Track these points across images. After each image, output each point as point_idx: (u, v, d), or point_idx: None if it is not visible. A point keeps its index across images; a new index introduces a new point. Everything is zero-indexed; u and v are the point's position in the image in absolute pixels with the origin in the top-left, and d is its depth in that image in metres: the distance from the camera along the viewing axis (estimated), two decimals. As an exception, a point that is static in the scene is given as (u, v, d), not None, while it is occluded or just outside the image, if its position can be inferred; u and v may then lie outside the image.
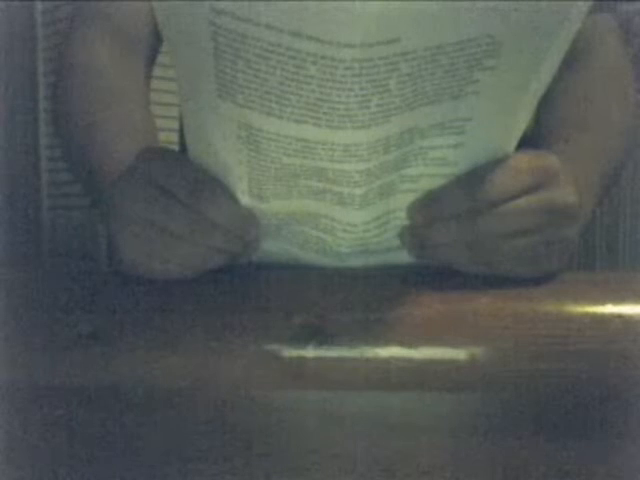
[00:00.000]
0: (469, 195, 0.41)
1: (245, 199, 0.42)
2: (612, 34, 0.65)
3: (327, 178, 0.39)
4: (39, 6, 1.51)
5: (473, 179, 0.41)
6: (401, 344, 0.39)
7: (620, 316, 0.40)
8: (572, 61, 0.60)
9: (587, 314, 0.40)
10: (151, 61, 0.68)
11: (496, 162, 0.41)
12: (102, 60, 0.63)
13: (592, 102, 0.60)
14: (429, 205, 0.42)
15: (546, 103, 0.56)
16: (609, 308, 0.40)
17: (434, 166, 0.41)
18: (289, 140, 0.37)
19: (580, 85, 0.61)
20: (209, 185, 0.41)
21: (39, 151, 1.53)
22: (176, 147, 0.73)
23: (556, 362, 0.39)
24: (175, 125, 0.90)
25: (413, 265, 0.45)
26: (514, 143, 0.41)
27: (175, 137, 0.87)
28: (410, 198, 0.42)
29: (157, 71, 0.71)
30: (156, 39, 0.67)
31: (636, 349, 0.39)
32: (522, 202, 0.41)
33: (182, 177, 0.41)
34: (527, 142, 0.44)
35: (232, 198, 0.41)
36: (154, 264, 0.42)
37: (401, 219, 0.43)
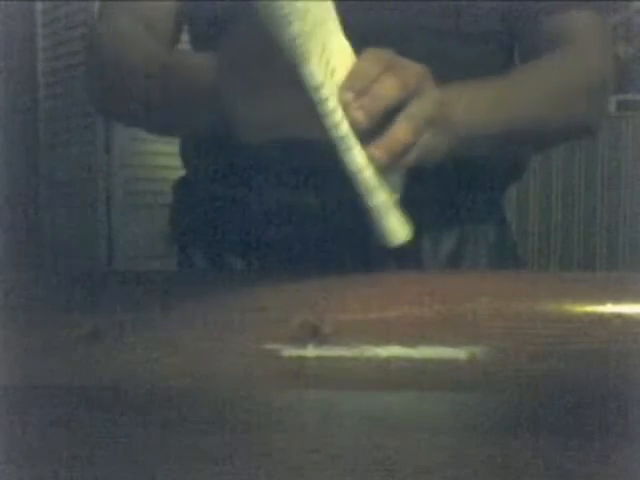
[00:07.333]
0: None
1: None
2: (596, 29, 0.64)
3: None
4: (39, 6, 1.51)
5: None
6: (401, 344, 0.39)
7: (620, 316, 0.40)
8: (551, 50, 0.60)
9: (587, 314, 0.40)
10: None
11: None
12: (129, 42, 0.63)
13: (547, 66, 0.60)
14: None
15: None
16: (609, 308, 0.40)
17: None
18: None
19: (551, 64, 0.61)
20: None
21: (39, 151, 1.53)
22: (176, 147, 0.73)
23: (556, 362, 0.39)
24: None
25: (413, 264, 0.45)
26: None
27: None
28: None
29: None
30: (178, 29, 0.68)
31: (636, 349, 0.39)
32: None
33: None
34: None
35: None
36: (266, 117, 0.43)
37: None
